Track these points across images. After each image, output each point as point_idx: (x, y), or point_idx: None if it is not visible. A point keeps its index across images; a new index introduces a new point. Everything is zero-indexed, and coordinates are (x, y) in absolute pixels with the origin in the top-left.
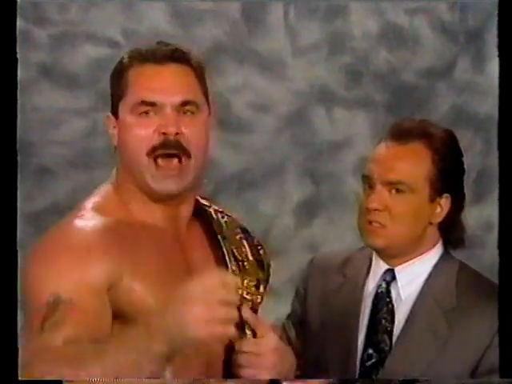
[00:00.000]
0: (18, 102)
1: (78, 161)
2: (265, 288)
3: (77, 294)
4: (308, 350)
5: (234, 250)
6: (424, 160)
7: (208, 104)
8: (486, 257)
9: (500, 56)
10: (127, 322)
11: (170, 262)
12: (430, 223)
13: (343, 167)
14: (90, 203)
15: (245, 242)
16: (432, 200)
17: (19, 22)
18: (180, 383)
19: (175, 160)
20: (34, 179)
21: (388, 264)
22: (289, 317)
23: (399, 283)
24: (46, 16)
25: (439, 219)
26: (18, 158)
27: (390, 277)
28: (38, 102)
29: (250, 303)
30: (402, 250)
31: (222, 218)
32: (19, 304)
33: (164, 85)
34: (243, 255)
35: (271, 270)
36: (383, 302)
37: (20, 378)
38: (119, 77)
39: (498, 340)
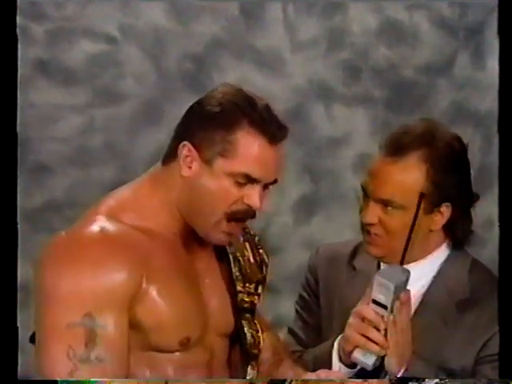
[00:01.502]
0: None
1: (76, 157)
2: (263, 288)
3: (108, 315)
4: (317, 339)
5: (239, 255)
6: (417, 176)
7: None
8: (486, 254)
9: (500, 52)
10: (143, 333)
11: (182, 270)
12: (431, 230)
13: (342, 164)
14: (104, 207)
15: (247, 245)
16: (429, 212)
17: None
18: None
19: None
20: (31, 176)
21: None
22: (296, 303)
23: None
24: (42, 12)
25: (439, 226)
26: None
27: None
28: (35, 99)
29: (249, 304)
30: (404, 257)
31: None
32: (19, 304)
33: (270, 166)
34: (245, 259)
35: (268, 270)
36: None
37: (20, 378)
38: (229, 130)
39: (499, 340)
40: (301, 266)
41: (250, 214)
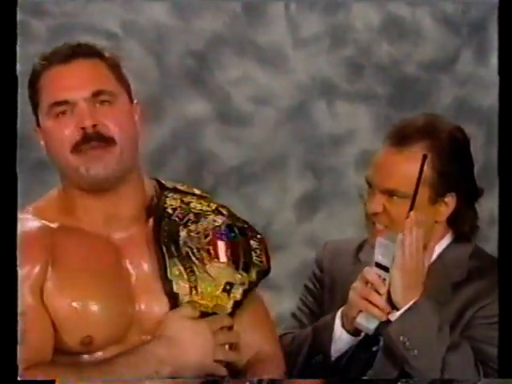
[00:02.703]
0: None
1: None
2: (245, 292)
3: (25, 303)
4: None
5: (193, 252)
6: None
7: (128, 93)
8: (488, 250)
9: (500, 48)
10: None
11: (101, 268)
12: (436, 221)
13: (345, 161)
14: (32, 207)
15: (220, 243)
16: (433, 202)
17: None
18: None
19: (98, 150)
20: (33, 173)
21: None
22: (302, 295)
23: None
24: (44, 8)
25: (444, 217)
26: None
27: None
28: None
29: (220, 308)
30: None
31: (184, 216)
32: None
33: (72, 81)
34: (206, 257)
35: (257, 273)
36: None
37: (19, 378)
38: (32, 85)
39: (498, 340)
40: (303, 263)
41: (93, 136)
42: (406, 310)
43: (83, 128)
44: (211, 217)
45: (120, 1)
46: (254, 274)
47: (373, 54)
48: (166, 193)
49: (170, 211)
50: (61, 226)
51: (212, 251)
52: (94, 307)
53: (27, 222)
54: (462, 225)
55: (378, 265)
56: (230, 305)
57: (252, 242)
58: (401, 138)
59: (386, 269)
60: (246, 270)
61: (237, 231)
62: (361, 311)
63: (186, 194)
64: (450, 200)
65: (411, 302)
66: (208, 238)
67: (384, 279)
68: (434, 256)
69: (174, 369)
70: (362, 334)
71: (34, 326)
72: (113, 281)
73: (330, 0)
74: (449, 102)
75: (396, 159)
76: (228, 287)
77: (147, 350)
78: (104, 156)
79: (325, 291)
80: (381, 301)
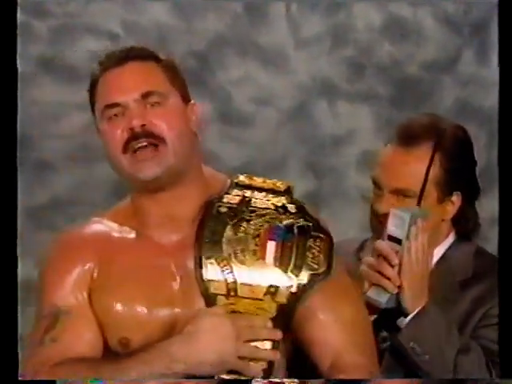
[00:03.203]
0: (18, 95)
1: (78, 155)
2: (293, 295)
3: (74, 304)
4: None
5: (236, 253)
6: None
7: (182, 94)
8: (488, 251)
9: (500, 49)
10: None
11: (148, 270)
12: (442, 220)
13: (346, 161)
14: (112, 210)
15: (270, 243)
16: (441, 201)
17: (19, 15)
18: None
19: (149, 149)
20: (34, 173)
21: None
22: None
23: None
24: (45, 8)
25: (451, 215)
26: (18, 152)
27: None
28: (38, 96)
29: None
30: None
31: (236, 214)
32: (20, 303)
33: (122, 84)
34: (251, 259)
35: (311, 275)
36: None
37: (20, 378)
38: (91, 91)
39: (499, 340)
40: None
41: (141, 134)
42: (414, 316)
43: (131, 128)
44: (270, 215)
45: (121, 1)
46: (305, 277)
47: (374, 54)
48: (230, 190)
49: (223, 209)
50: (120, 229)
51: (259, 252)
52: (134, 310)
53: (91, 223)
54: (465, 224)
55: (391, 237)
56: (273, 309)
57: (311, 241)
58: (408, 137)
59: (398, 241)
60: (296, 272)
61: (296, 231)
62: (372, 285)
63: (254, 189)
64: (456, 199)
65: (419, 308)
66: (257, 239)
67: (397, 251)
68: (439, 255)
69: (187, 366)
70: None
71: (78, 323)
72: (157, 284)
73: (331, 1)
74: (450, 103)
75: (404, 159)
76: (273, 290)
77: (161, 346)
78: (154, 157)
79: None
80: (393, 273)
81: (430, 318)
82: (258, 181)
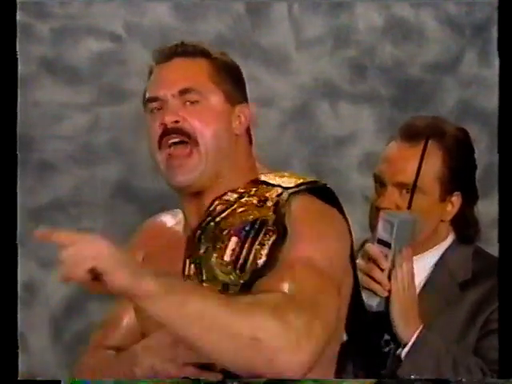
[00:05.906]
0: (20, 96)
1: (80, 156)
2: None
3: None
4: None
5: (207, 251)
6: (434, 161)
7: (227, 94)
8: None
9: (499, 49)
10: None
11: (176, 270)
12: (442, 221)
13: (348, 162)
14: None
15: (232, 240)
16: (443, 199)
17: (20, 16)
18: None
19: (181, 146)
20: (36, 174)
21: None
22: None
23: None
24: (47, 10)
25: (450, 216)
26: (19, 153)
27: None
28: (40, 97)
29: None
30: (413, 247)
31: (220, 213)
32: (19, 303)
33: (164, 78)
34: (216, 256)
35: (252, 272)
36: None
37: (20, 378)
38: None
39: (498, 341)
40: None
41: (172, 131)
42: (411, 346)
43: (164, 124)
44: (248, 212)
45: (124, 2)
46: (247, 275)
47: (376, 55)
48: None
49: (218, 208)
50: (169, 226)
51: (222, 250)
52: None
53: (157, 216)
54: (465, 226)
55: (380, 241)
56: None
57: (262, 237)
58: (413, 134)
59: (387, 245)
60: (242, 269)
61: (257, 226)
62: (363, 288)
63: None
64: (456, 200)
65: (415, 336)
66: (224, 236)
67: (386, 255)
68: (437, 256)
69: (143, 372)
70: None
71: (121, 315)
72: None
73: (333, 2)
74: (453, 104)
75: (409, 154)
76: (225, 289)
77: (130, 349)
78: (185, 163)
79: None
80: (383, 277)
81: (427, 345)
82: (280, 176)
